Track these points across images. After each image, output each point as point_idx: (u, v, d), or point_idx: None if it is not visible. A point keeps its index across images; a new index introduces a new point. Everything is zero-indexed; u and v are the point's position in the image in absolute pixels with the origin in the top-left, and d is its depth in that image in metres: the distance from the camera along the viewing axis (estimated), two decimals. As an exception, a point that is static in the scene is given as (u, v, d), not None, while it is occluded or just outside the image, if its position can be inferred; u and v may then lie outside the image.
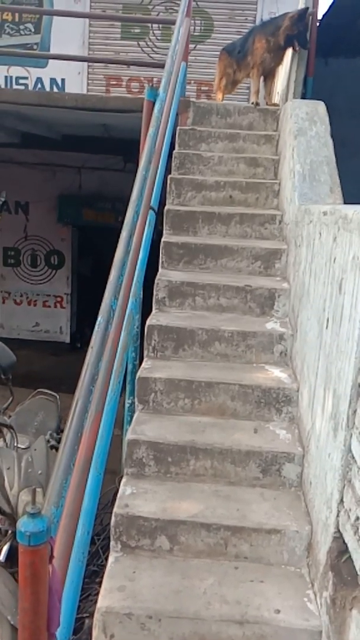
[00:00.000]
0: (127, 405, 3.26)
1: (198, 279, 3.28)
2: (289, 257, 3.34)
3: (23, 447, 3.03)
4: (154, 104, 3.44)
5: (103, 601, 2.02)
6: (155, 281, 3.24)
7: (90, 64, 7.10)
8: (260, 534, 2.24)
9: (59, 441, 3.22)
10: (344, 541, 1.87)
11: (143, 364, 2.92)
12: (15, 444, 3.00)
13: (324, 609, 1.94)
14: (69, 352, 8.77)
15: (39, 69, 7.11)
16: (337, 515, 1.90)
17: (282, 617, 1.99)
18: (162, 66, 4.17)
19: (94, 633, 2.02)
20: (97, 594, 2.26)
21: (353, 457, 1.81)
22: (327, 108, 3.79)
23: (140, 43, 7.09)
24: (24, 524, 1.22)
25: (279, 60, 4.72)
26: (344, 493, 1.86)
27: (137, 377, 2.79)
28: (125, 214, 2.53)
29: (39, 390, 3.76)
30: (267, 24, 4.76)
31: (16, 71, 7.14)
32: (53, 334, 9.07)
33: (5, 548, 2.76)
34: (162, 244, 3.47)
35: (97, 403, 1.83)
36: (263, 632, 1.97)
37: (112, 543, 2.28)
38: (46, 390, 3.73)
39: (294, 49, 4.57)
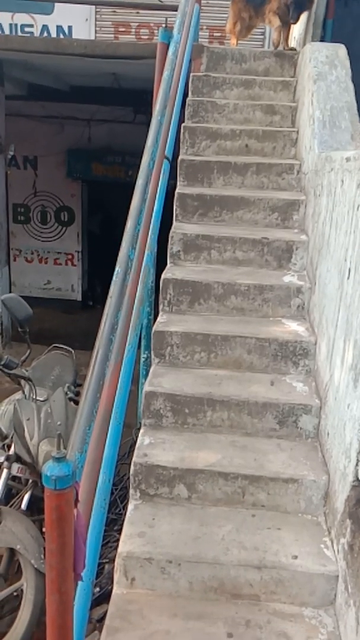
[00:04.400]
0: (142, 359, 3.26)
1: (213, 232, 3.21)
2: (307, 209, 3.26)
3: (41, 399, 3.06)
4: (167, 46, 3.28)
5: (124, 546, 2.07)
6: (170, 234, 3.18)
7: (97, 9, 6.79)
8: (278, 483, 2.26)
9: (76, 394, 3.25)
10: (363, 489, 1.88)
11: (159, 318, 2.90)
12: (34, 396, 3.03)
13: (341, 555, 1.97)
14: (81, 310, 8.80)
15: (44, 15, 6.81)
16: (357, 464, 1.90)
17: (300, 563, 2.03)
18: (174, 9, 3.99)
19: (116, 577, 2.07)
20: (116, 540, 2.32)
21: (374, 407, 1.80)
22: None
23: (150, -14, 6.76)
24: (49, 469, 1.22)
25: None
26: (364, 442, 1.86)
27: (153, 331, 2.78)
28: (135, 167, 2.46)
29: (54, 345, 3.77)
30: None
31: (21, 18, 6.85)
32: (65, 292, 9.07)
33: (26, 497, 2.83)
34: (176, 196, 3.39)
35: (116, 354, 1.82)
36: (281, 577, 2.02)
37: (131, 491, 2.32)
38: (62, 345, 3.74)
39: None
